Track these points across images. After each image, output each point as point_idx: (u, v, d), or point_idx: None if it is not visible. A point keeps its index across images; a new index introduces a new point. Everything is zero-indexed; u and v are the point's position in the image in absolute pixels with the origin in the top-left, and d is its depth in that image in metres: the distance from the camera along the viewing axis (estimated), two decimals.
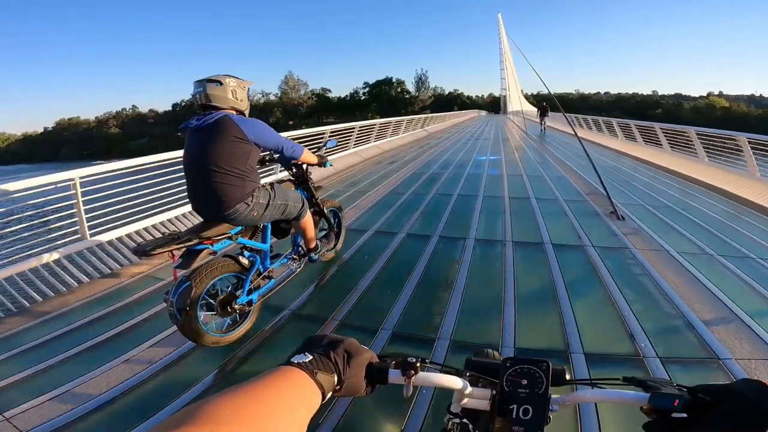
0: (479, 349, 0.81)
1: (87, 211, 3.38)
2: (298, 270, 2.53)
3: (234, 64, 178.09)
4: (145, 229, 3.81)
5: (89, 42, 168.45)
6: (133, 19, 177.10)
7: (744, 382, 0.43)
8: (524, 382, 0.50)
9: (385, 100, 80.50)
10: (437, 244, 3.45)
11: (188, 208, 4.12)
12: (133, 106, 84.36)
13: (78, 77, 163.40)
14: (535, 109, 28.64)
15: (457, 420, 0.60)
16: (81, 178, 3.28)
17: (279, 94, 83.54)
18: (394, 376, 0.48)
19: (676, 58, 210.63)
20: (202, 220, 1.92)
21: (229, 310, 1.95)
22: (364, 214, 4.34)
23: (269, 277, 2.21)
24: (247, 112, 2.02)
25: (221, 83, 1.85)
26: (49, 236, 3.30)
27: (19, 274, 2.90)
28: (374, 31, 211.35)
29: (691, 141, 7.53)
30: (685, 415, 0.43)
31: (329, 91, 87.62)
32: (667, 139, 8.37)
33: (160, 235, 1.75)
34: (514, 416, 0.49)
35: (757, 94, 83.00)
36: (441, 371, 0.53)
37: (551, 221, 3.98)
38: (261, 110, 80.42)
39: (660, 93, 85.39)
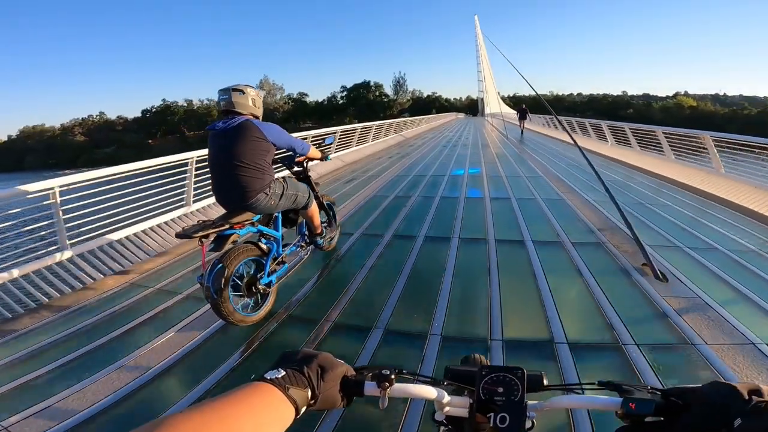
0: (468, 356, 0.87)
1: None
2: (306, 256, 3.05)
3: (206, 69, 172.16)
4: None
5: (56, 48, 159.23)
6: (101, 24, 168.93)
7: (714, 385, 0.42)
8: (500, 390, 0.50)
9: (363, 103, 79.36)
10: (379, 346, 1.99)
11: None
12: (101, 113, 79.92)
13: (45, 82, 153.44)
14: (513, 112, 28.10)
15: (443, 427, 0.58)
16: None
17: None
18: (370, 389, 0.48)
19: (642, 58, 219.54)
20: (224, 211, 2.19)
21: (253, 290, 2.19)
22: (281, 284, 2.72)
23: (283, 263, 2.46)
24: (261, 117, 2.30)
25: (244, 92, 2.18)
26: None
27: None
28: (352, 34, 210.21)
29: (694, 146, 6.49)
30: (659, 418, 0.44)
31: (306, 95, 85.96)
32: (669, 145, 7.23)
33: (195, 223, 2.02)
34: (491, 424, 0.48)
35: (721, 93, 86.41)
36: (417, 382, 0.53)
37: (561, 289, 2.58)
38: None
39: (630, 93, 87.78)
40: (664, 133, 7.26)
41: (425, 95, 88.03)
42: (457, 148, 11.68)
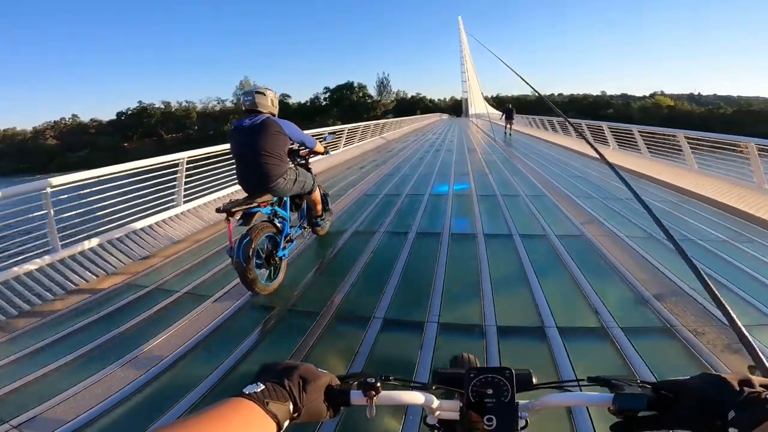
0: (457, 356, 0.88)
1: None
2: (308, 236, 3.46)
3: (184, 71, 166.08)
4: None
5: (27, 50, 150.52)
6: (72, 25, 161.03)
7: (704, 377, 0.41)
8: (489, 391, 0.49)
9: (346, 105, 78.00)
10: None
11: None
12: (74, 116, 76.75)
13: (16, 84, 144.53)
14: (498, 112, 27.10)
15: (436, 431, 0.57)
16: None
17: (235, 101, 79.58)
18: (356, 398, 0.46)
19: (619, 59, 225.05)
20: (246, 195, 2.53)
21: (271, 262, 2.52)
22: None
23: (291, 241, 2.79)
24: (277, 115, 2.68)
25: (264, 94, 2.58)
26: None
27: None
28: (335, 35, 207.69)
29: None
30: (652, 412, 0.43)
31: (288, 96, 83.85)
32: (692, 152, 6.04)
33: (228, 201, 2.32)
34: (484, 426, 0.46)
35: (696, 93, 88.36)
36: (405, 387, 0.52)
37: None
38: (216, 118, 75.71)
39: (608, 93, 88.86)
40: (687, 138, 6.04)
41: (409, 96, 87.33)
42: (440, 154, 10.39)
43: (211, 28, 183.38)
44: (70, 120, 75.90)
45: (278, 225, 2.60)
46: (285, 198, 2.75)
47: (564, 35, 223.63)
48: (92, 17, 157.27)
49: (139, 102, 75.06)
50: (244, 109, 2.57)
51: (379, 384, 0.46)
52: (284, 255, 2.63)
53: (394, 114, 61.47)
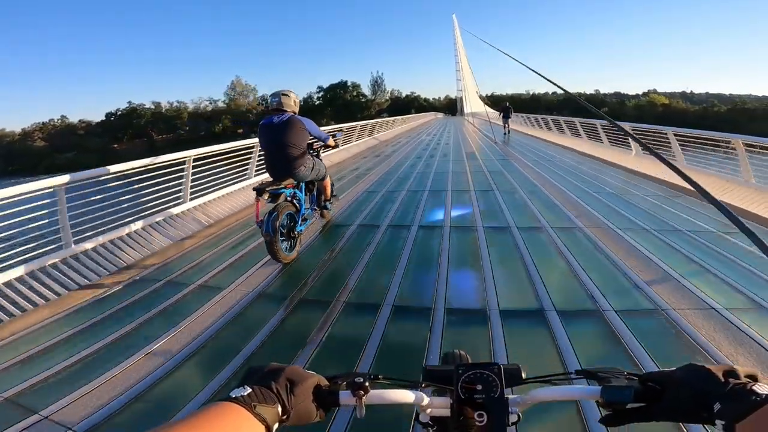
0: (448, 352, 0.88)
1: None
2: (317, 216, 3.93)
3: (175, 70, 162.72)
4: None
5: (16, 50, 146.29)
6: (72, 24, 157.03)
7: (690, 368, 0.42)
8: (479, 387, 0.48)
9: (339, 104, 76.62)
10: None
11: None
12: (62, 116, 74.53)
13: (16, 84, 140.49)
14: (494, 112, 26.05)
15: (430, 428, 0.57)
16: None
17: (226, 101, 78.09)
18: (345, 398, 0.46)
19: (611, 58, 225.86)
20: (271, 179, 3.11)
21: (291, 235, 3.01)
22: None
23: (305, 219, 3.33)
24: (298, 113, 3.21)
25: (288, 96, 3.13)
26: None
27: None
28: (330, 34, 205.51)
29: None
30: (640, 404, 0.43)
31: None
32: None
33: (260, 183, 2.88)
34: (475, 423, 0.47)
35: (689, 91, 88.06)
36: (395, 386, 0.51)
37: None
38: (208, 118, 73.98)
39: (602, 92, 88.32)
40: (747, 145, 4.77)
41: (404, 95, 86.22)
42: (435, 160, 9.12)
43: (208, 28, 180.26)
44: (59, 121, 74.27)
45: (296, 205, 3.12)
46: (302, 183, 3.26)
47: (559, 35, 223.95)
48: (92, 17, 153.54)
49: (129, 102, 73.22)
50: (271, 108, 3.10)
51: (367, 383, 0.45)
52: (301, 230, 3.13)
53: (389, 113, 60.35)
